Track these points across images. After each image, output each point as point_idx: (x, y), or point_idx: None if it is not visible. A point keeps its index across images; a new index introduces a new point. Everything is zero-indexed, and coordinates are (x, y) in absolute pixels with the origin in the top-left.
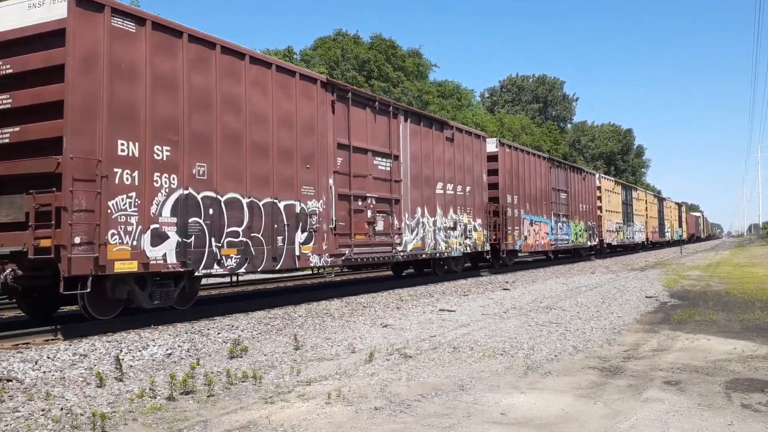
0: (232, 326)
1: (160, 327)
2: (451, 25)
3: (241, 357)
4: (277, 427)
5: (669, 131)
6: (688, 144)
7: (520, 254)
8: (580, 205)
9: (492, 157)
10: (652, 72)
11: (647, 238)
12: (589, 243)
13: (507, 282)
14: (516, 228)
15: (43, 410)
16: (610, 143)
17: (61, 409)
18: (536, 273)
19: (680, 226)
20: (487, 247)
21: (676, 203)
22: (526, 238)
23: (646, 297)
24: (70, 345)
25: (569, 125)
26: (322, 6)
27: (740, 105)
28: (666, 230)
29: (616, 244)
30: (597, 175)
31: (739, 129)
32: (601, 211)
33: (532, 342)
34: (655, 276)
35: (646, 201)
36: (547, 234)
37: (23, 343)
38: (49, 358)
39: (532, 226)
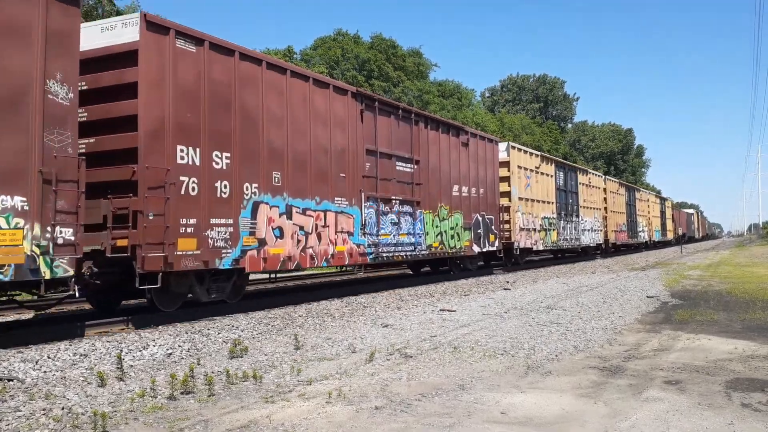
0: (233, 326)
1: (160, 327)
2: (452, 25)
3: (241, 357)
4: (277, 426)
5: (669, 131)
6: (689, 144)
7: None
8: (459, 187)
9: (119, 57)
10: (652, 72)
11: (607, 240)
12: (477, 248)
13: (508, 282)
14: (223, 221)
15: (44, 410)
16: (611, 143)
17: (62, 408)
18: (537, 273)
19: (663, 224)
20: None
21: (658, 196)
22: (263, 242)
23: (647, 297)
24: (71, 345)
25: (570, 125)
26: (322, 6)
27: (740, 105)
28: (640, 229)
29: (542, 248)
30: (506, 145)
31: (739, 128)
32: (510, 200)
33: (533, 342)
34: (656, 276)
35: (605, 190)
36: (351, 235)
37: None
38: (49, 357)
39: (291, 218)
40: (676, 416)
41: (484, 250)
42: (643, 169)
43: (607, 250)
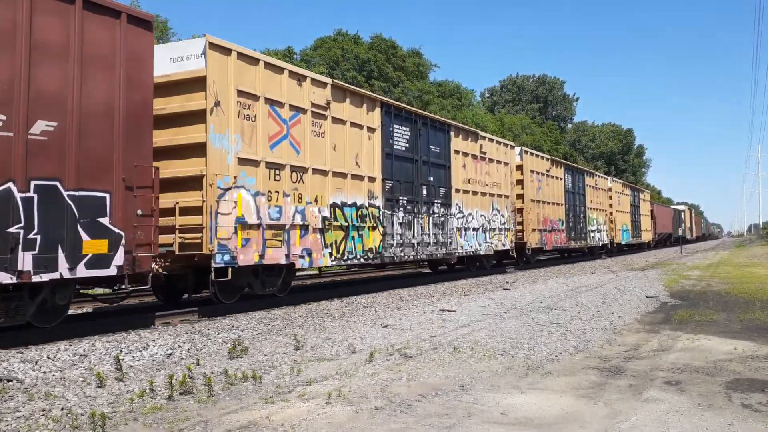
0: (233, 326)
1: (160, 327)
2: (451, 25)
3: (241, 357)
4: (277, 427)
5: (669, 131)
6: (689, 144)
7: None
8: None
9: None
10: (652, 72)
11: (524, 243)
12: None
13: (507, 282)
14: None
15: (43, 410)
16: (611, 143)
17: (62, 409)
18: (536, 273)
19: (636, 221)
20: None
21: (626, 184)
22: None
23: (647, 297)
24: (70, 345)
25: (569, 125)
26: (322, 6)
27: (741, 105)
28: (594, 228)
29: (331, 263)
30: (202, 44)
31: (739, 129)
32: (207, 163)
33: (533, 342)
34: (656, 276)
35: (521, 168)
36: None
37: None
38: (49, 358)
39: None
40: (676, 417)
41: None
42: (643, 170)
43: (527, 258)
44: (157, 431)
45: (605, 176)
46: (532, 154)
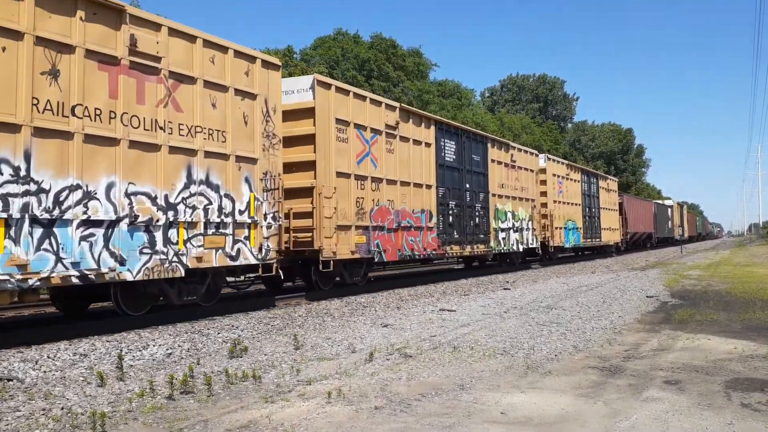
0: (233, 326)
1: (160, 327)
2: (452, 24)
3: (241, 357)
4: (277, 426)
5: (669, 131)
6: (689, 144)
7: None
8: None
9: None
10: (652, 72)
11: (316, 249)
12: None
13: (507, 282)
14: None
15: (43, 410)
16: (611, 143)
17: (62, 408)
18: (537, 273)
19: (591, 216)
20: None
21: (572, 166)
22: None
23: (647, 297)
24: (71, 345)
25: (570, 125)
26: (322, 6)
27: (741, 104)
28: (508, 227)
29: None
30: None
31: (739, 128)
32: None
33: (533, 341)
34: (656, 276)
35: (312, 117)
36: None
37: None
38: (49, 357)
39: None
40: (675, 416)
41: None
42: (643, 169)
43: (343, 278)
44: (157, 431)
45: (532, 151)
46: (344, 91)
